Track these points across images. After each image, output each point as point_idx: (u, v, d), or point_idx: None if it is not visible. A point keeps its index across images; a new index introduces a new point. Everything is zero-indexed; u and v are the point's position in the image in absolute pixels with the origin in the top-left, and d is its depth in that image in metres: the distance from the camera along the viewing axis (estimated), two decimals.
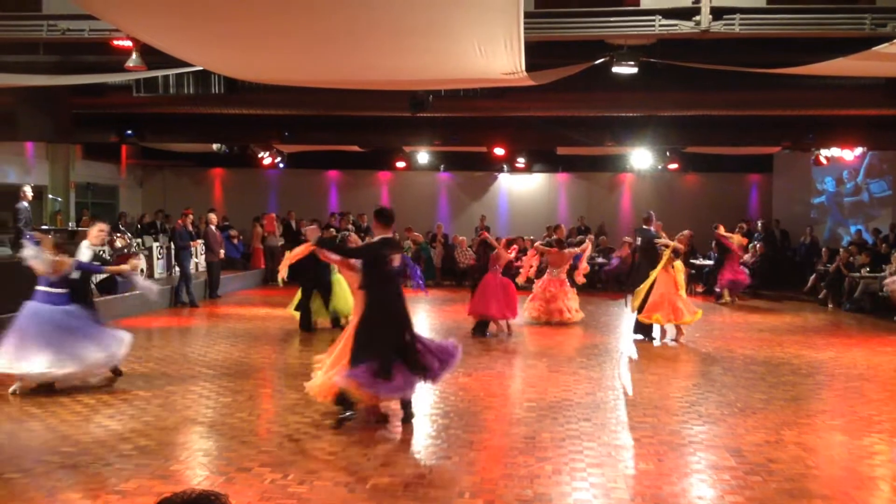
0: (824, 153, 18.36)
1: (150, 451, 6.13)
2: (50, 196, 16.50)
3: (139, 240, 17.10)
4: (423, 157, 21.68)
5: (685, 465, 5.98)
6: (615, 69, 10.00)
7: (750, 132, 16.25)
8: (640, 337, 11.68)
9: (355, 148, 19.93)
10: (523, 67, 8.07)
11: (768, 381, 8.95)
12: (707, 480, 5.63)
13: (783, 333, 12.82)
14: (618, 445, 6.53)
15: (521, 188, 23.58)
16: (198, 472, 5.71)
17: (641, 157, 19.98)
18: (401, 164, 21.98)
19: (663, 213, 16.71)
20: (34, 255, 7.73)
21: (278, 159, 20.37)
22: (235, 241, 19.65)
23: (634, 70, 10.03)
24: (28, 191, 13.51)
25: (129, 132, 15.32)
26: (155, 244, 17.11)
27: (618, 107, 12.79)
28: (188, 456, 6.21)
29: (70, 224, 15.44)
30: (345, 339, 7.06)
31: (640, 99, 12.10)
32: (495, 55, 7.67)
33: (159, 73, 9.83)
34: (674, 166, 20.24)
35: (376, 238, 7.16)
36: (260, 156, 19.62)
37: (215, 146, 18.60)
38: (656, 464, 6.00)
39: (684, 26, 9.02)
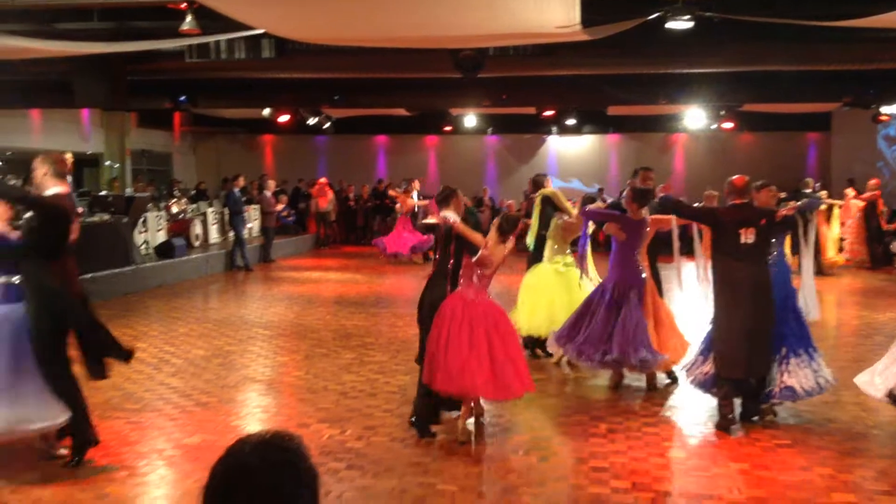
0: (885, 110, 17.70)
1: (211, 407, 6.30)
2: (107, 163, 16.86)
3: (194, 205, 17.39)
4: (470, 120, 21.52)
5: (741, 425, 5.91)
6: (669, 24, 9.74)
7: (808, 88, 15.75)
8: None
9: (402, 112, 19.90)
10: (579, 19, 7.91)
11: (828, 342, 8.75)
12: (763, 440, 5.57)
13: (843, 295, 12.55)
14: (672, 405, 6.51)
15: (571, 150, 23.29)
16: (258, 428, 5.85)
17: (695, 117, 19.52)
18: (448, 128, 21.86)
19: (717, 175, 16.35)
20: None
21: (327, 124, 20.42)
22: (287, 215, 19.85)
23: (690, 25, 9.76)
24: (69, 159, 13.66)
25: (183, 98, 15.52)
26: (209, 209, 17.39)
27: (672, 63, 12.50)
28: (248, 413, 6.38)
29: (127, 190, 15.76)
30: None
31: (694, 55, 11.80)
32: (550, 7, 7.54)
33: (211, 38, 9.90)
34: (728, 125, 19.75)
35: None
36: (308, 122, 19.70)
37: (265, 111, 18.73)
38: (713, 423, 5.94)
39: None
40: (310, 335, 9.22)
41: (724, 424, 5.75)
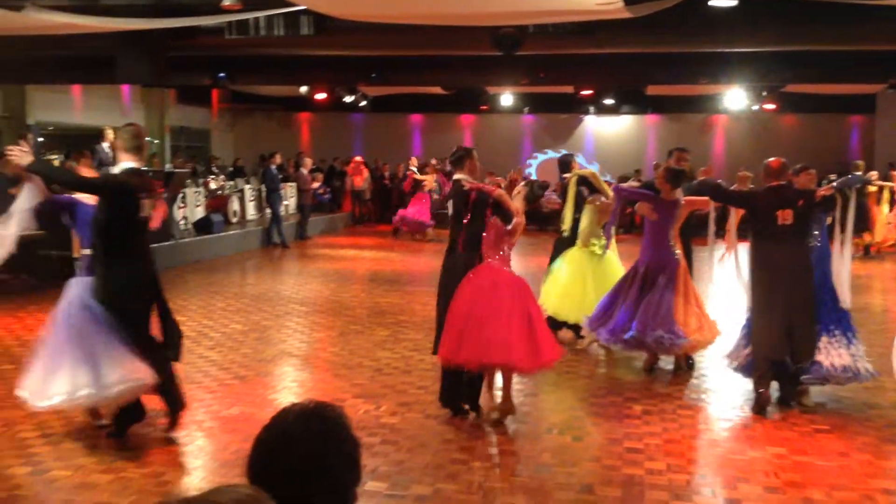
0: None
1: (249, 380, 6.40)
2: (147, 139, 17.08)
3: (232, 182, 17.57)
4: (506, 99, 21.38)
5: (778, 409, 5.85)
6: (712, 2, 9.58)
7: (853, 69, 15.40)
8: None
9: (438, 90, 19.83)
10: None
11: (870, 328, 8.59)
12: (801, 425, 5.51)
13: (887, 280, 12.32)
14: (708, 388, 6.46)
15: (608, 131, 23.05)
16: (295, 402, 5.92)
17: (736, 98, 19.20)
18: (484, 107, 21.74)
19: (759, 158, 16.09)
20: None
21: (363, 102, 20.43)
22: (323, 192, 19.99)
23: (733, 3, 9.59)
24: (110, 133, 13.85)
25: (222, 75, 15.64)
26: (247, 186, 17.56)
27: (713, 42, 12.27)
28: (284, 387, 6.47)
29: (166, 166, 15.96)
30: None
31: (737, 34, 11.57)
32: None
33: (251, 14, 9.92)
34: (770, 107, 19.38)
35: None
36: (345, 99, 19.74)
37: (302, 89, 18.81)
38: (750, 407, 5.89)
39: None
40: (345, 312, 9.29)
41: (760, 404, 5.71)
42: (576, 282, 7.48)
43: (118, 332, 4.78)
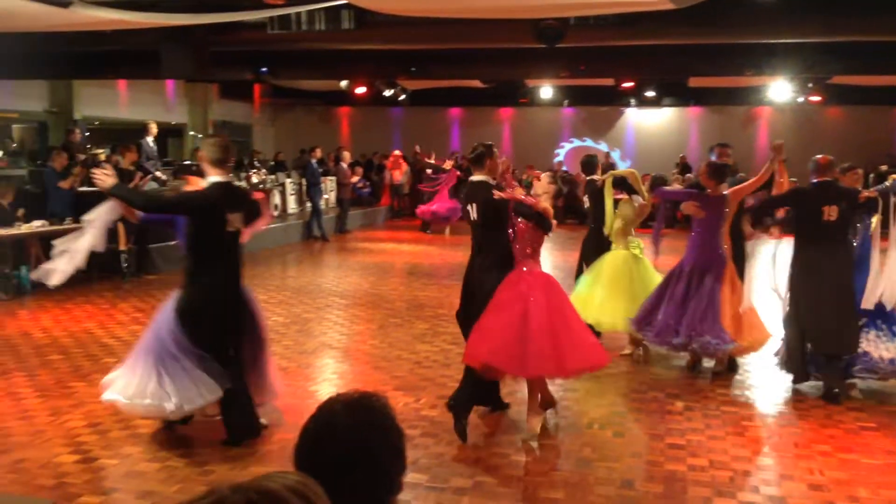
0: None
1: (291, 372, 6.47)
2: (191, 133, 17.31)
3: (273, 176, 17.75)
4: (546, 91, 21.22)
5: (822, 404, 5.76)
6: None
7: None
8: None
9: (477, 84, 19.78)
10: None
11: None
12: (846, 422, 5.41)
13: None
14: (752, 385, 6.37)
15: (650, 123, 22.80)
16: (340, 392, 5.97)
17: (780, 90, 18.83)
18: (523, 100, 21.63)
19: (804, 150, 15.79)
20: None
21: (402, 96, 20.47)
22: (362, 186, 20.14)
23: None
24: (153, 127, 14.06)
25: (264, 70, 15.79)
26: (288, 180, 17.73)
27: (758, 33, 12.05)
28: (325, 378, 6.53)
29: None
30: None
31: (782, 24, 11.35)
32: None
33: (293, 9, 10.01)
34: (815, 99, 18.98)
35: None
36: (384, 93, 19.81)
37: (342, 84, 18.92)
38: (794, 404, 5.81)
39: None
40: (384, 305, 9.34)
41: (796, 379, 6.00)
42: (618, 286, 7.06)
43: (194, 348, 4.72)
